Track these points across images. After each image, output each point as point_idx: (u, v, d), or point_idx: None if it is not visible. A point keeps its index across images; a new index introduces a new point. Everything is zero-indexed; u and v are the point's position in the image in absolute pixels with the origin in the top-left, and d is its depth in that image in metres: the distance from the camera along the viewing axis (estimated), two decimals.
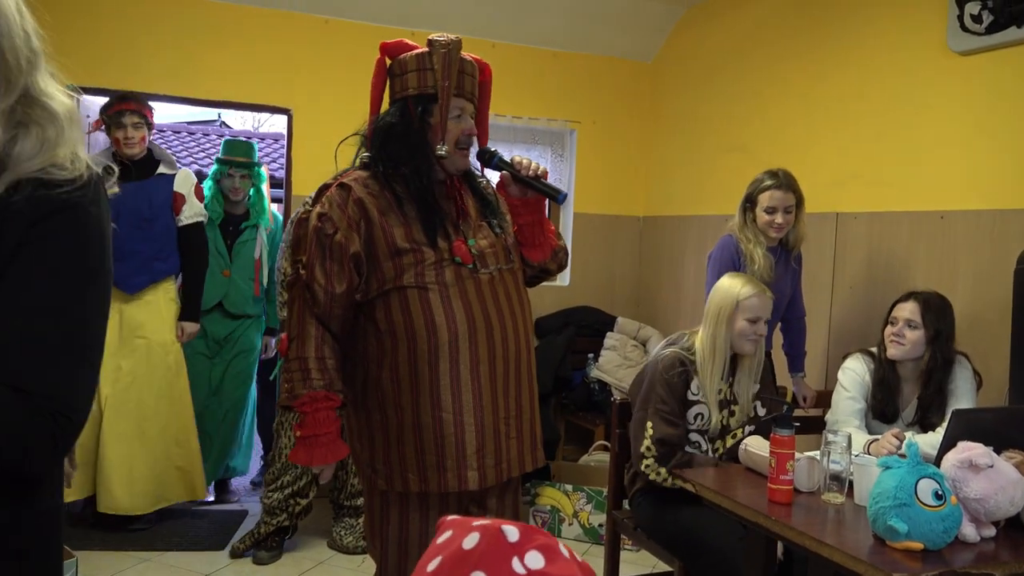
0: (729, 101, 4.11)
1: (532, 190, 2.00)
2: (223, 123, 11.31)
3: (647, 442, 2.38)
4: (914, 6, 3.09)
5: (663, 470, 2.36)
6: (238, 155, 3.90)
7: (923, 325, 2.46)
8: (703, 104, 4.32)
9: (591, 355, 4.29)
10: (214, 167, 3.95)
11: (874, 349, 2.62)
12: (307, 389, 1.83)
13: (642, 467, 2.39)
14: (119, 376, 3.32)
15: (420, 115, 1.90)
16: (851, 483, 1.90)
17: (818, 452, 1.95)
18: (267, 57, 3.97)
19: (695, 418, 2.42)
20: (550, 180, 2.06)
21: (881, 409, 2.52)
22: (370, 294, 1.88)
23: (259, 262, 3.92)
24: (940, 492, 1.59)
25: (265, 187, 4.02)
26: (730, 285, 2.46)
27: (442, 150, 1.89)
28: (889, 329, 2.54)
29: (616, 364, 4.17)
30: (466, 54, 1.95)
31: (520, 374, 1.98)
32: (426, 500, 1.93)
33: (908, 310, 2.50)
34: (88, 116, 3.69)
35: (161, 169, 3.48)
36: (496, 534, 0.72)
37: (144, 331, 3.39)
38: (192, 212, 3.54)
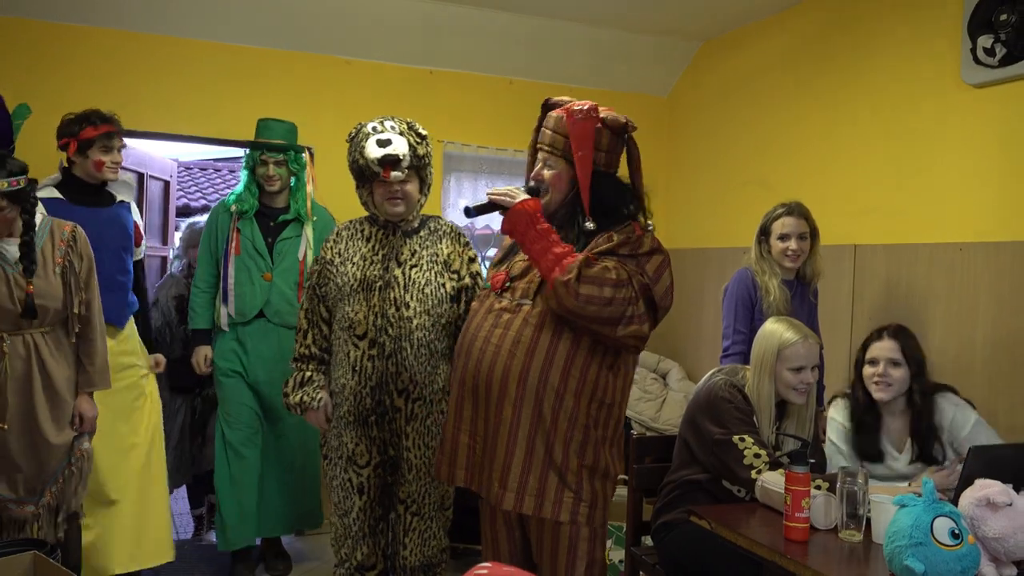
0: (745, 134, 4.13)
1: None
2: None
3: (749, 457, 2.19)
4: (928, 39, 3.11)
5: (779, 472, 2.09)
6: (272, 136, 3.33)
7: (905, 361, 2.38)
8: (719, 137, 4.34)
9: None
10: (248, 152, 3.40)
11: (848, 390, 2.52)
12: None
13: (758, 482, 2.13)
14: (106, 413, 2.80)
15: None
16: (869, 520, 1.89)
17: (835, 489, 1.94)
18: (290, 97, 4.04)
19: None
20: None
21: (863, 450, 2.43)
22: None
23: (303, 264, 3.30)
24: (957, 531, 1.57)
25: (309, 174, 3.40)
26: (771, 331, 2.33)
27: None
28: (870, 370, 2.42)
29: (636, 397, 4.16)
30: (567, 113, 2.09)
31: (502, 406, 2.03)
32: (488, 506, 2.20)
33: (888, 348, 2.39)
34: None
35: (122, 196, 3.09)
36: None
37: (132, 365, 3.01)
38: (145, 246, 3.20)
